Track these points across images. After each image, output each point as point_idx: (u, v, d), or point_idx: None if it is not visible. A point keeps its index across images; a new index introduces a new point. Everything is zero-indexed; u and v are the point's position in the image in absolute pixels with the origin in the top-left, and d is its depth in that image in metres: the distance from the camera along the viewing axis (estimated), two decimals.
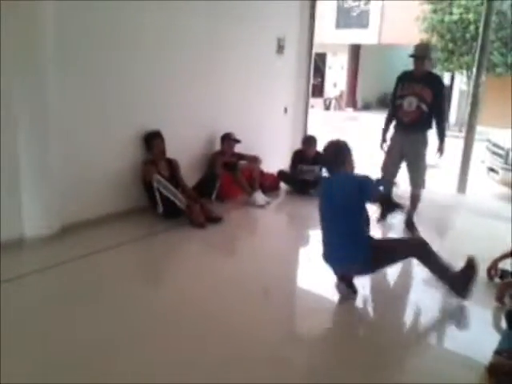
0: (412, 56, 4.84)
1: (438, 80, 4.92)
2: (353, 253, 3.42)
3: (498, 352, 2.71)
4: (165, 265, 4.11)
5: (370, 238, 3.55)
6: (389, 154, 5.05)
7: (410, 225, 5.07)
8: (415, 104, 4.75)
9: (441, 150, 4.90)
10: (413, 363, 2.88)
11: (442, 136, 4.87)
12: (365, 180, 3.45)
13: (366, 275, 3.67)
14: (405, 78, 4.94)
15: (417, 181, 4.96)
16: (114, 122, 4.83)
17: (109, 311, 3.20)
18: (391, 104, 5.16)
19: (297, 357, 2.82)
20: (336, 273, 3.60)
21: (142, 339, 2.90)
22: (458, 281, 3.47)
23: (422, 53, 4.82)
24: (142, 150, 5.06)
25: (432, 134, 4.93)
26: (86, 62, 4.48)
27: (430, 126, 4.87)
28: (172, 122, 5.28)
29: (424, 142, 4.88)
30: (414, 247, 3.57)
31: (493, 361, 2.60)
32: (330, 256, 3.57)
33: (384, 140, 5.17)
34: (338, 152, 3.57)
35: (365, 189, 3.40)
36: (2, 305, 3.11)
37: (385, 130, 5.18)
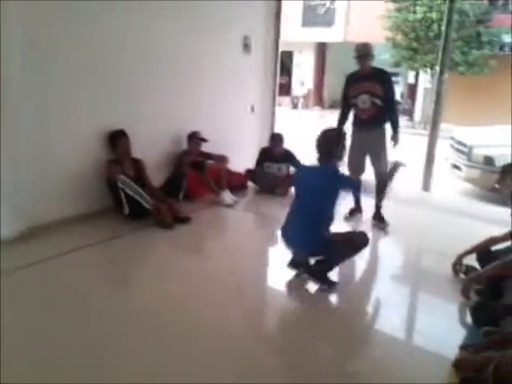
0: (356, 57, 4.96)
1: (384, 74, 5.07)
2: (308, 241, 3.62)
3: (464, 347, 2.75)
4: (133, 266, 4.04)
5: (329, 234, 3.71)
6: (351, 151, 5.12)
7: (378, 218, 5.16)
8: (369, 101, 4.91)
9: (395, 139, 5.04)
10: (378, 359, 2.89)
11: (395, 126, 5.02)
12: (345, 178, 3.74)
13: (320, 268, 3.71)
14: (353, 79, 5.09)
15: (381, 173, 5.07)
16: (80, 122, 4.72)
17: (76, 314, 3.13)
18: (343, 104, 5.30)
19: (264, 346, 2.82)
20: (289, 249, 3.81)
21: (113, 341, 2.86)
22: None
23: (363, 52, 4.94)
24: (106, 150, 4.96)
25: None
26: (51, 61, 4.37)
27: (386, 120, 5.02)
28: (137, 121, 5.20)
29: (383, 135, 5.05)
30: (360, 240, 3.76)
31: (459, 356, 2.63)
32: (287, 234, 3.81)
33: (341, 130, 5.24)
34: (326, 142, 3.74)
35: (342, 185, 3.67)
36: None
37: (339, 124, 5.28)
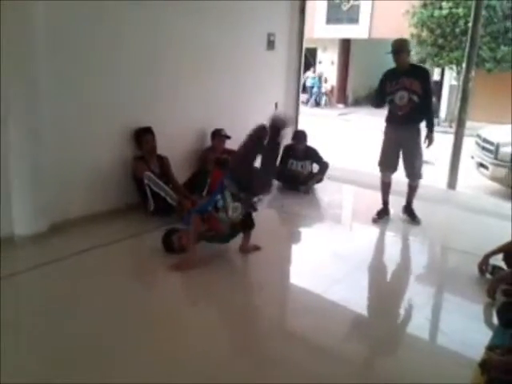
0: (391, 52, 4.87)
1: (423, 70, 5.02)
2: None
3: (490, 348, 2.72)
4: (157, 262, 4.08)
5: None
6: (385, 147, 5.09)
7: (409, 212, 5.14)
8: (406, 97, 4.80)
9: (430, 138, 4.94)
10: (402, 359, 2.89)
11: (430, 125, 4.91)
12: None
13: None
14: (392, 75, 4.97)
15: (414, 171, 5.00)
16: (105, 119, 4.78)
17: (102, 309, 3.18)
18: (377, 99, 5.18)
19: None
20: None
21: (137, 337, 2.90)
22: None
23: (400, 47, 4.86)
24: (132, 147, 5.02)
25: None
26: (78, 60, 4.45)
27: (423, 118, 4.91)
28: (163, 119, 5.24)
29: (418, 133, 4.95)
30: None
31: (485, 357, 2.61)
32: None
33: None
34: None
35: None
36: None
37: (378, 102, 5.18)
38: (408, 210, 5.17)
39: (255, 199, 5.58)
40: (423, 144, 4.96)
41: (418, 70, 4.96)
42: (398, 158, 5.07)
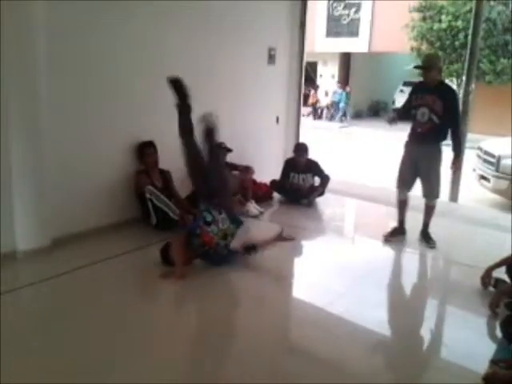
0: (418, 67, 4.79)
1: (450, 91, 4.82)
2: None
3: (494, 362, 2.71)
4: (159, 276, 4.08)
5: None
6: (403, 163, 4.98)
7: (425, 237, 4.99)
8: (427, 115, 4.66)
9: (456, 163, 4.82)
10: (405, 372, 2.87)
11: (457, 148, 4.77)
12: None
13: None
14: (418, 89, 4.85)
15: (430, 191, 4.88)
16: (107, 133, 4.81)
17: (103, 325, 3.17)
18: (403, 109, 5.04)
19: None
20: None
21: (138, 352, 2.89)
22: None
23: (430, 63, 4.72)
24: (134, 161, 5.04)
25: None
26: (79, 73, 4.48)
27: (443, 138, 4.76)
28: (165, 133, 5.24)
29: (437, 154, 4.78)
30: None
31: (489, 371, 2.59)
32: None
33: (392, 119, 5.00)
34: None
35: None
36: None
37: (398, 117, 5.01)
38: (424, 234, 5.00)
39: (256, 212, 5.63)
40: (450, 169, 4.84)
41: (444, 90, 4.76)
42: (414, 176, 4.93)
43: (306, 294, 3.82)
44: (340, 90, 22.52)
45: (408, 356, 3.10)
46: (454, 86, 17.62)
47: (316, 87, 23.61)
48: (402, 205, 5.09)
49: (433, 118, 4.65)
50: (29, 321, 3.22)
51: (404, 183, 4.99)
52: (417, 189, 5.00)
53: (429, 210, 4.97)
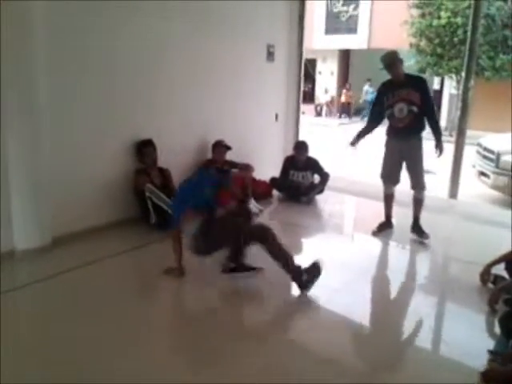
0: (384, 67, 4.81)
1: (420, 80, 4.92)
2: None
3: (492, 358, 2.72)
4: (160, 275, 4.08)
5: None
6: (387, 160, 5.04)
7: (417, 229, 5.00)
8: (406, 109, 4.72)
9: (440, 148, 4.81)
10: (404, 369, 2.88)
11: (438, 134, 4.82)
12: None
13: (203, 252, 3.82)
14: (388, 88, 4.90)
15: (418, 182, 4.92)
16: (105, 132, 4.81)
17: (103, 323, 3.17)
18: (372, 115, 5.16)
19: None
20: None
21: (138, 350, 2.89)
22: (301, 275, 3.62)
23: (391, 60, 4.78)
24: (133, 160, 5.04)
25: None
26: (79, 71, 4.48)
27: (423, 128, 4.85)
28: (164, 131, 5.27)
29: (420, 144, 4.87)
30: (257, 231, 3.71)
31: (487, 367, 2.60)
32: None
33: (355, 142, 5.13)
34: None
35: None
36: None
37: (360, 135, 5.13)
38: (416, 226, 5.02)
39: (256, 210, 5.63)
40: (435, 154, 4.84)
41: (415, 80, 4.87)
42: (400, 170, 5.00)
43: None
44: (372, 89, 21.03)
45: (405, 352, 3.11)
46: (454, 83, 17.69)
47: (349, 86, 22.88)
48: (389, 199, 5.18)
49: (413, 110, 4.71)
50: (28, 320, 3.23)
51: (390, 179, 5.06)
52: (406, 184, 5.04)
53: (418, 203, 5.02)
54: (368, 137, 5.09)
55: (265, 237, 3.64)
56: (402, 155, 4.93)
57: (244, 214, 4.06)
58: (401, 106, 4.75)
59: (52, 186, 4.33)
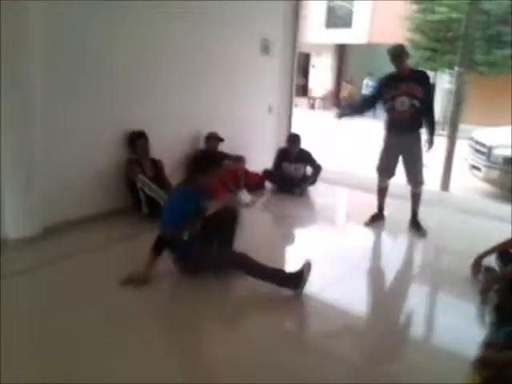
0: (391, 59, 4.79)
1: (423, 75, 4.90)
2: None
3: (484, 346, 2.73)
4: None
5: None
6: (384, 153, 5.03)
7: (415, 225, 5.03)
8: (408, 103, 4.71)
9: (430, 142, 4.85)
10: (397, 359, 2.90)
11: (431, 129, 4.83)
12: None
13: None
14: (391, 80, 4.87)
15: (417, 179, 4.93)
16: (98, 122, 4.78)
17: (94, 312, 3.17)
18: (367, 100, 5.14)
19: None
20: None
21: (129, 341, 2.89)
22: (288, 280, 3.52)
23: (399, 53, 4.77)
24: (125, 150, 5.02)
25: None
26: (71, 62, 4.44)
27: (422, 122, 4.86)
28: (156, 122, 5.25)
29: (419, 139, 4.87)
30: (234, 261, 3.62)
31: (480, 355, 2.61)
32: None
33: (341, 115, 5.18)
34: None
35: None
36: None
37: (347, 112, 5.18)
38: (414, 222, 5.05)
39: (248, 202, 5.63)
40: (423, 147, 4.89)
41: (419, 75, 4.85)
42: (396, 164, 5.00)
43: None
44: (371, 82, 20.29)
45: (397, 342, 3.12)
46: (448, 77, 17.71)
47: (351, 79, 22.40)
48: (383, 192, 5.20)
49: (414, 104, 4.71)
50: (19, 309, 3.20)
51: (386, 172, 5.06)
52: (400, 176, 5.05)
53: (416, 198, 5.03)
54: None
55: (239, 264, 3.61)
56: (400, 149, 4.92)
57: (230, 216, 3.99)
58: (403, 100, 4.73)
59: (43, 176, 4.30)
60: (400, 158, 4.96)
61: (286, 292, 3.50)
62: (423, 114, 4.81)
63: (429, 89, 4.85)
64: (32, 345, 2.80)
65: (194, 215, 3.63)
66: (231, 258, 3.64)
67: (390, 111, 4.89)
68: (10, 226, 4.16)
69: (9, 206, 4.13)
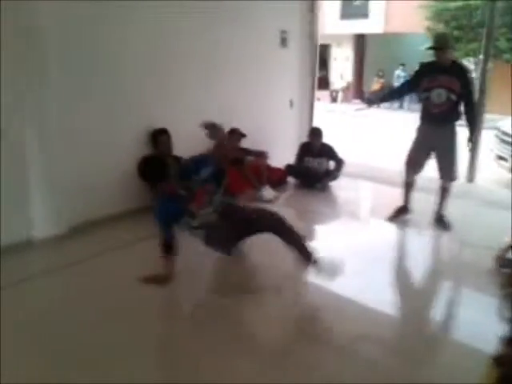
0: (431, 48, 4.68)
1: (463, 69, 4.74)
2: None
3: (505, 342, 2.69)
4: (177, 262, 4.10)
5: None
6: (416, 146, 4.90)
7: (440, 221, 4.93)
8: (445, 96, 4.58)
9: (472, 140, 4.77)
10: (415, 352, 2.88)
11: (473, 126, 4.71)
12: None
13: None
14: (429, 70, 4.75)
15: (449, 173, 4.80)
16: (121, 121, 4.84)
17: (122, 312, 3.21)
18: (403, 86, 5.02)
19: None
20: None
21: (156, 340, 2.93)
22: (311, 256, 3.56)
23: (443, 43, 4.63)
24: (148, 148, 5.06)
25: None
26: (92, 61, 4.49)
27: (459, 117, 4.74)
28: (178, 119, 5.28)
29: (455, 133, 4.73)
30: (271, 221, 3.66)
31: (499, 351, 2.58)
32: None
33: (374, 102, 5.09)
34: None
35: None
36: (14, 306, 3.14)
37: (382, 97, 5.08)
38: (439, 216, 4.94)
39: (271, 197, 5.63)
40: (466, 145, 4.77)
41: (458, 68, 4.68)
42: (426, 160, 4.88)
43: (319, 277, 3.81)
44: (404, 73, 19.56)
45: (419, 337, 3.09)
46: (472, 66, 17.38)
47: (382, 73, 21.58)
48: (410, 186, 5.05)
49: (451, 97, 4.58)
50: (44, 309, 3.26)
51: (415, 166, 4.92)
52: (428, 170, 4.97)
53: (445, 193, 4.91)
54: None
55: (280, 228, 3.62)
56: (434, 144, 4.79)
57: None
58: (440, 92, 4.60)
59: (68, 177, 4.38)
60: (433, 153, 4.82)
61: (306, 287, 3.49)
62: (464, 112, 4.68)
63: (468, 83, 4.65)
64: (61, 343, 2.85)
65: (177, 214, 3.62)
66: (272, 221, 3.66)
67: (426, 102, 4.75)
68: (37, 226, 4.24)
69: (35, 206, 4.21)
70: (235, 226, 3.69)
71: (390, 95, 4.97)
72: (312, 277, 3.63)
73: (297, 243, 3.58)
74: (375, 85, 21.60)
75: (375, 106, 5.03)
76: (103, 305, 3.28)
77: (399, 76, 20.05)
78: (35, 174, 4.16)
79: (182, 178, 3.66)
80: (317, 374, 2.62)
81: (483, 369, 2.44)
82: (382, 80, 21.41)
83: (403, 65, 19.85)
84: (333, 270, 3.47)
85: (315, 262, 3.52)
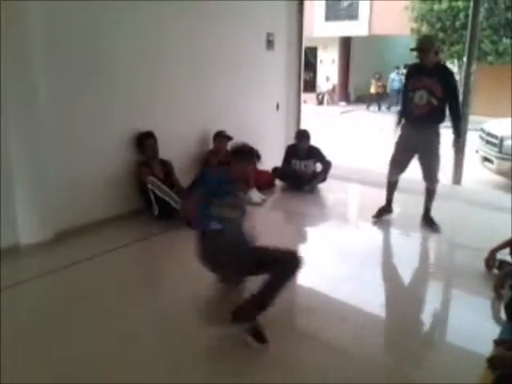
0: (414, 49, 4.71)
1: (447, 73, 4.73)
2: None
3: (498, 344, 2.70)
4: (164, 267, 4.08)
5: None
6: (398, 146, 4.93)
7: (428, 221, 4.95)
8: (425, 98, 4.60)
9: (457, 144, 4.80)
10: (409, 355, 2.87)
11: (458, 130, 4.74)
12: None
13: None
14: (413, 72, 4.81)
15: (430, 175, 4.83)
16: (106, 125, 4.79)
17: (107, 317, 3.17)
18: (403, 98, 5.07)
19: None
20: None
21: (142, 344, 2.89)
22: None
23: (427, 45, 4.67)
24: (135, 153, 5.02)
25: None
26: (78, 64, 4.45)
27: (441, 120, 4.73)
28: (164, 123, 5.25)
29: (436, 136, 4.74)
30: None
31: (493, 353, 2.58)
32: None
33: (399, 121, 5.06)
34: None
35: None
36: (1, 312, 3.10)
37: (398, 123, 5.05)
38: (426, 218, 4.97)
39: (258, 200, 5.61)
40: (451, 149, 4.80)
41: (442, 71, 4.68)
42: (410, 160, 4.90)
43: (309, 280, 3.78)
44: (398, 77, 19.52)
45: (411, 339, 3.09)
46: (455, 68, 17.53)
47: (379, 76, 21.09)
48: (392, 185, 5.10)
49: (432, 101, 4.60)
50: (31, 315, 3.22)
51: (398, 165, 4.95)
52: (412, 171, 4.99)
53: (430, 194, 4.94)
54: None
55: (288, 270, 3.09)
56: (416, 145, 4.81)
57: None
58: (421, 94, 4.63)
59: (54, 181, 4.33)
60: (416, 155, 4.85)
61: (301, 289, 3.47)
62: (450, 115, 4.70)
63: (453, 86, 4.69)
64: (47, 348, 2.81)
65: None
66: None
67: (408, 103, 4.79)
68: (23, 232, 4.19)
69: (21, 212, 4.16)
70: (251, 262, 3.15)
71: (399, 119, 5.03)
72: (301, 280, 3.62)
73: (269, 287, 2.98)
74: (374, 88, 21.40)
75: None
76: (90, 310, 3.24)
77: (394, 79, 20.18)
78: (21, 179, 4.11)
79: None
80: (312, 375, 2.61)
81: (478, 370, 2.44)
82: (379, 83, 21.27)
83: (398, 68, 20.01)
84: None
85: (259, 311, 2.95)
